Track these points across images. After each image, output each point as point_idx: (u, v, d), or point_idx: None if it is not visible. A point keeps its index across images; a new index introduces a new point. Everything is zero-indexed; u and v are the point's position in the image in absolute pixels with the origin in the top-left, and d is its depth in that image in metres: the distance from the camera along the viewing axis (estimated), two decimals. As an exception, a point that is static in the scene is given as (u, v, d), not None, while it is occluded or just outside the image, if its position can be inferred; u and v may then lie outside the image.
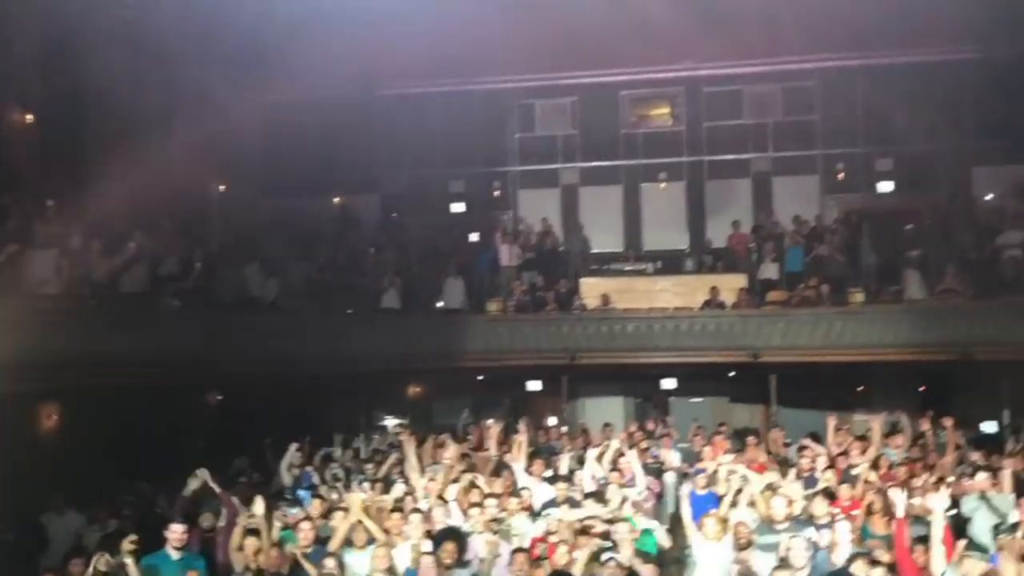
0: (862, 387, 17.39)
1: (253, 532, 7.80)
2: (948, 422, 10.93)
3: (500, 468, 10.08)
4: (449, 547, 7.37)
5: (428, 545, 7.66)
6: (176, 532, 7.74)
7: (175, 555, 7.65)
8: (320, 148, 18.89)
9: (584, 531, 7.81)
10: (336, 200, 19.91)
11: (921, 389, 17.18)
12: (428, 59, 17.40)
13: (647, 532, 8.43)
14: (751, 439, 12.52)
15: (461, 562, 7.43)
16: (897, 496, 7.44)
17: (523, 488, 9.36)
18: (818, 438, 12.14)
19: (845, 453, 10.89)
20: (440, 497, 8.92)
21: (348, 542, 7.84)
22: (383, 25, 16.04)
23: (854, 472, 10.04)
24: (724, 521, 8.20)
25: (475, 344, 15.89)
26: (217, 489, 8.92)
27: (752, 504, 8.71)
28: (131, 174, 14.46)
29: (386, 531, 8.01)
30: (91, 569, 7.19)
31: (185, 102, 16.27)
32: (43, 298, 11.25)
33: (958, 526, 8.46)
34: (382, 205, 20.27)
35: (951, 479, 9.37)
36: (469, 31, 16.13)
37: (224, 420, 14.54)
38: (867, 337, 15.06)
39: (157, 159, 15.29)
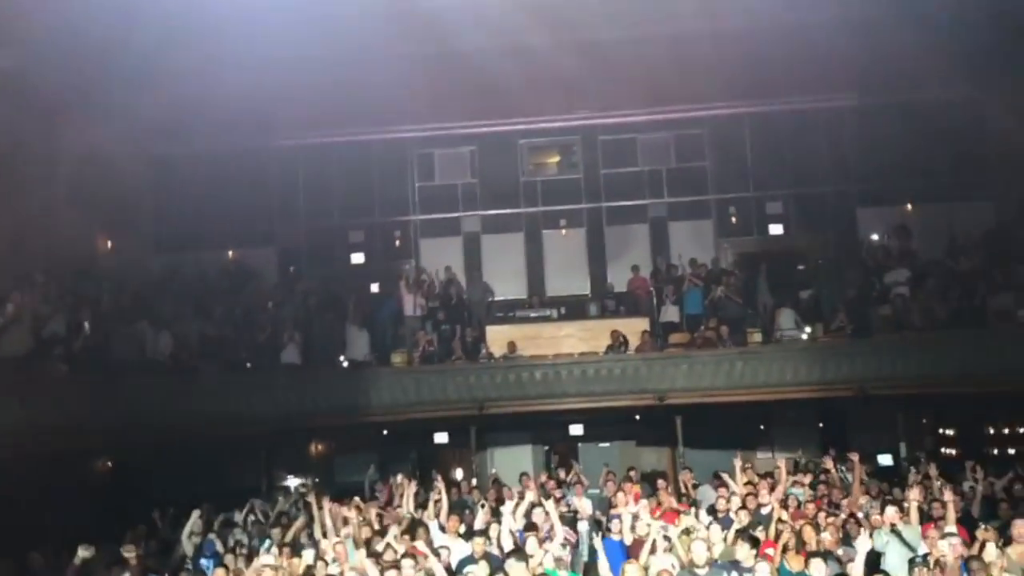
0: (764, 426, 17.77)
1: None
2: (854, 457, 11.17)
3: (415, 526, 9.76)
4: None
5: None
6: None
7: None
8: (213, 201, 18.30)
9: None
10: (230, 254, 19.33)
11: (820, 425, 17.69)
12: (324, 109, 17.23)
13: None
14: (661, 482, 12.60)
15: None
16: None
17: (441, 547, 9.09)
18: (720, 477, 12.34)
19: (754, 493, 11.01)
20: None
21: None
22: (277, 75, 15.82)
23: (764, 512, 10.18)
24: (645, 570, 8.14)
25: (380, 398, 15.53)
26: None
27: (670, 550, 8.68)
28: (10, 231, 13.75)
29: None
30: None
31: (68, 155, 15.57)
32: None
33: (871, 560, 8.63)
34: (279, 258, 19.79)
35: (861, 515, 9.56)
36: (367, 81, 16.06)
37: (117, 487, 13.74)
38: (767, 376, 15.40)
39: (38, 215, 14.60)
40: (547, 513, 10.01)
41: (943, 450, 16.91)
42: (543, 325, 17.35)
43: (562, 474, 14.26)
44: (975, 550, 7.91)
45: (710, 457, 15.31)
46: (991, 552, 7.78)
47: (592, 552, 10.63)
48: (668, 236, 19.89)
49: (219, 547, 10.58)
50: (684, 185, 19.89)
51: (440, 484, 10.72)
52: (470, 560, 8.76)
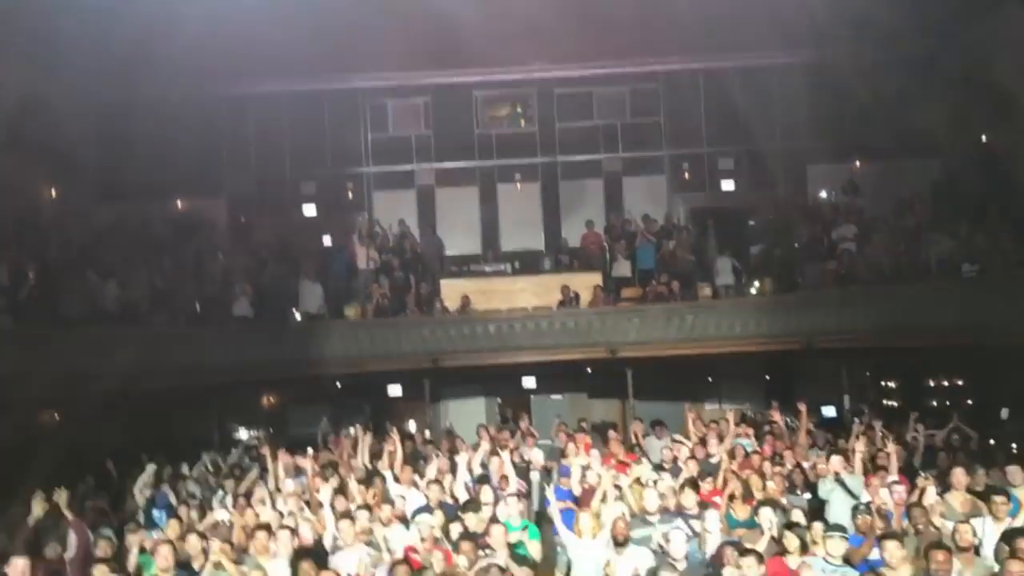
0: (712, 378, 18.10)
1: (105, 561, 7.29)
2: (802, 407, 11.47)
3: (370, 477, 9.83)
4: (304, 567, 7.10)
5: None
6: (17, 567, 7.06)
7: (16, 594, 7.01)
8: (161, 150, 17.78)
9: (464, 537, 7.72)
10: (179, 204, 18.97)
11: (767, 378, 18.07)
12: (276, 57, 16.84)
13: (529, 531, 8.45)
14: (612, 433, 12.82)
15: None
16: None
17: (397, 496, 9.18)
18: (663, 424, 12.77)
19: (703, 443, 11.27)
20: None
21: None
22: (228, 21, 15.37)
23: (712, 461, 10.42)
24: (597, 517, 8.32)
25: (334, 350, 15.48)
26: (69, 515, 8.29)
27: (620, 499, 8.87)
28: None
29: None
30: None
31: (9, 103, 15.07)
32: None
33: (815, 509, 8.92)
34: (229, 209, 19.48)
35: (807, 464, 9.84)
36: (320, 28, 15.70)
37: (65, 440, 13.55)
38: (716, 329, 15.65)
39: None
40: (501, 463, 10.14)
41: (885, 402, 17.42)
42: (497, 279, 17.44)
43: (521, 425, 14.40)
44: (915, 497, 8.21)
45: (660, 409, 15.57)
46: (931, 498, 8.08)
47: (543, 501, 10.84)
48: (622, 191, 20.00)
49: (172, 499, 10.54)
50: (638, 140, 19.96)
51: (395, 435, 10.78)
52: (425, 509, 8.87)
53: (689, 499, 8.40)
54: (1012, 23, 16.34)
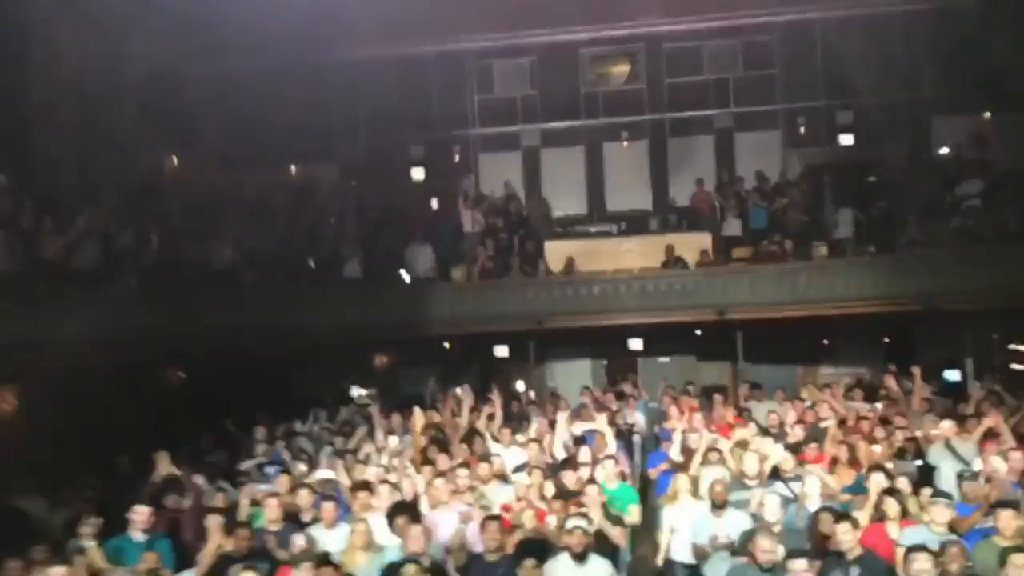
0: (827, 341, 17.52)
1: (219, 511, 7.65)
2: (916, 370, 10.99)
3: (471, 435, 9.98)
4: (400, 521, 7.24)
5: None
6: (140, 515, 7.58)
7: (139, 537, 7.48)
8: (274, 117, 18.33)
9: (557, 496, 7.76)
10: (293, 169, 19.52)
11: (885, 341, 17.37)
12: (383, 22, 17.02)
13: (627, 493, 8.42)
14: (718, 396, 12.60)
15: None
16: None
17: (494, 454, 9.29)
18: (760, 387, 12.55)
19: (814, 407, 10.96)
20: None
21: (315, 519, 7.71)
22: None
23: (821, 426, 10.12)
24: (694, 480, 8.22)
25: (441, 312, 15.73)
26: (187, 471, 8.75)
27: (721, 462, 8.72)
28: (80, 149, 14.05)
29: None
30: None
31: (134, 73, 15.78)
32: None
33: (925, 475, 8.55)
34: (340, 173, 19.90)
35: (919, 432, 9.41)
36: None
37: (186, 398, 14.26)
38: (831, 290, 15.08)
39: (106, 132, 14.89)
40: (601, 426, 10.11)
41: (1012, 366, 16.49)
42: (603, 240, 17.28)
43: (628, 388, 14.34)
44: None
45: (771, 372, 15.23)
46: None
47: (646, 463, 10.80)
48: (734, 148, 19.46)
49: (285, 455, 10.94)
50: (751, 94, 19.32)
51: (495, 396, 10.87)
52: (524, 467, 8.94)
53: (789, 463, 8.19)
54: None
